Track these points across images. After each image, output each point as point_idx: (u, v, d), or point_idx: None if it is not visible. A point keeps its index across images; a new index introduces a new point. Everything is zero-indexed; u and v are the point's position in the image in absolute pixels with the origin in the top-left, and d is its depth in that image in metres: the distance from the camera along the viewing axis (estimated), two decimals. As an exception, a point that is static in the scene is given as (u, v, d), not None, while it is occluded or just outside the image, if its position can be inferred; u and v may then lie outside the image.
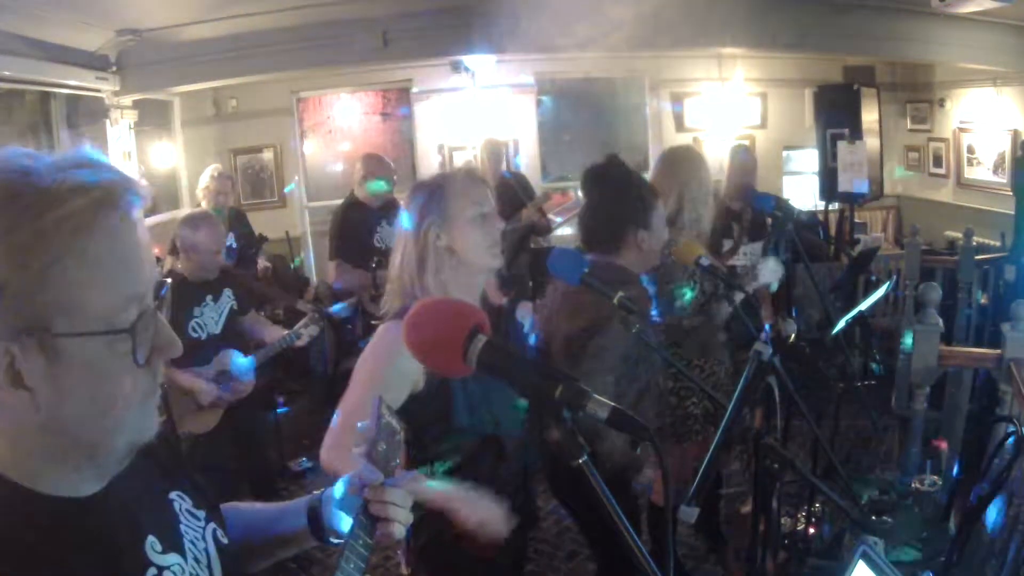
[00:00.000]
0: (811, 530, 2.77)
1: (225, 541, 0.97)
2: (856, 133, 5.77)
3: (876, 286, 3.66)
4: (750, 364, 1.74)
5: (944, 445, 2.75)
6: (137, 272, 0.75)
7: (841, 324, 2.45)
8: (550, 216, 5.23)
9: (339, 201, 4.38)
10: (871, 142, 5.91)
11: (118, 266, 0.73)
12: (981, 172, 6.05)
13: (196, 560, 0.89)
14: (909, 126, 6.91)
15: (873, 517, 2.13)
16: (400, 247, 1.74)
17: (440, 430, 1.64)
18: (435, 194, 1.72)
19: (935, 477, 2.53)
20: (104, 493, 0.80)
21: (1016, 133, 5.58)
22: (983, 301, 4.66)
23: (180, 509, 0.92)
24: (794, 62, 6.66)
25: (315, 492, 1.10)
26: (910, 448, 2.94)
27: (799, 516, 2.81)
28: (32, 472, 0.74)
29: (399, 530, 0.98)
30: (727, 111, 6.79)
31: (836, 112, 6.02)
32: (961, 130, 6.22)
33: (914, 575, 2.04)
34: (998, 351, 2.72)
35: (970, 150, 6.15)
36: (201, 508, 0.96)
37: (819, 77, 6.57)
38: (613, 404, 0.82)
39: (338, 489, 1.05)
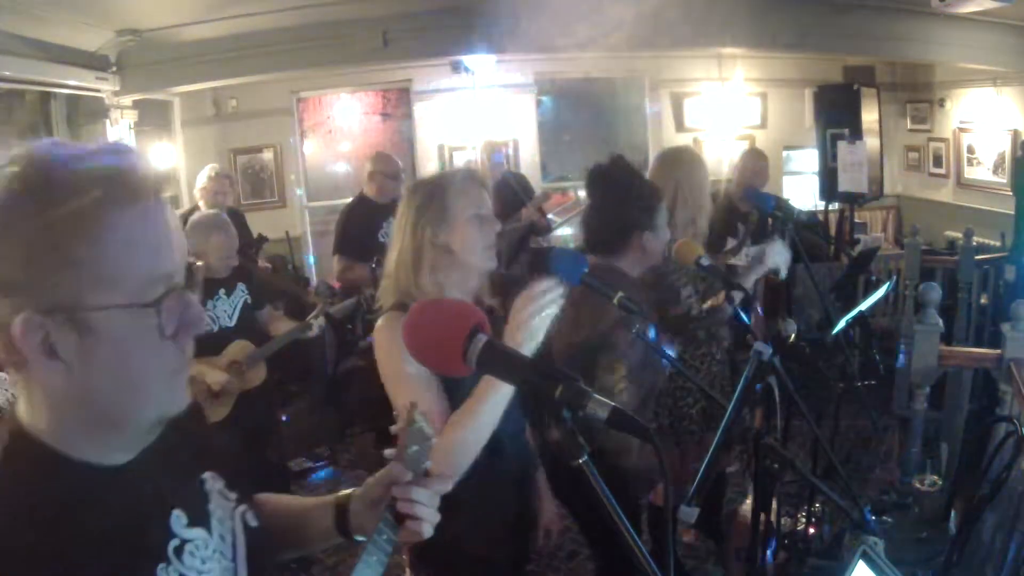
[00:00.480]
0: (811, 530, 2.77)
1: (254, 524, 0.99)
2: (856, 133, 5.77)
3: (876, 286, 3.66)
4: (750, 364, 1.74)
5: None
6: (164, 252, 0.79)
7: (841, 324, 2.45)
8: (550, 216, 5.23)
9: (339, 201, 4.41)
10: (871, 142, 5.91)
11: (145, 246, 0.77)
12: (981, 172, 6.05)
13: (221, 538, 0.92)
14: (909, 126, 6.91)
15: (873, 517, 2.12)
16: (396, 243, 1.75)
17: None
18: (433, 193, 1.73)
19: (935, 477, 2.53)
20: (134, 463, 0.84)
21: (1016, 133, 5.58)
22: (983, 301, 4.66)
23: (211, 489, 0.96)
24: (794, 62, 6.66)
25: (345, 491, 1.12)
26: (910, 448, 2.94)
27: (799, 516, 2.81)
28: (69, 440, 0.79)
29: (425, 528, 1.01)
30: (727, 111, 6.79)
31: (836, 112, 6.02)
32: (961, 130, 6.22)
33: (914, 575, 2.04)
34: (998, 351, 2.72)
35: (970, 150, 6.15)
36: (233, 490, 0.99)
37: (819, 77, 6.57)
38: (613, 404, 0.82)
39: (368, 487, 1.08)
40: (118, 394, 0.78)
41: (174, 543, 0.85)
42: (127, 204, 0.75)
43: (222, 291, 3.14)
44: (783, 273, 2.52)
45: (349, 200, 4.46)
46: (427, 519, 1.01)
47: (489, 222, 1.76)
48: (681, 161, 2.82)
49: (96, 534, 0.76)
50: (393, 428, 1.03)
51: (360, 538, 1.08)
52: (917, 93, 6.78)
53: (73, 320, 0.74)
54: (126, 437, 0.83)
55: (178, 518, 0.87)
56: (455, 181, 1.76)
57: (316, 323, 3.21)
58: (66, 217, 0.72)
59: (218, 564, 0.90)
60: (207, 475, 0.96)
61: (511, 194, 5.07)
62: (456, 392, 1.62)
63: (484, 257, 1.75)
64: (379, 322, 1.68)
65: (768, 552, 2.21)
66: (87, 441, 0.80)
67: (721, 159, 6.47)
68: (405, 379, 1.57)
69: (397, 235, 1.76)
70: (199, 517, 0.90)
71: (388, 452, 1.03)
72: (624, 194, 2.24)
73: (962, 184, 6.29)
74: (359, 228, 4.10)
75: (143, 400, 0.80)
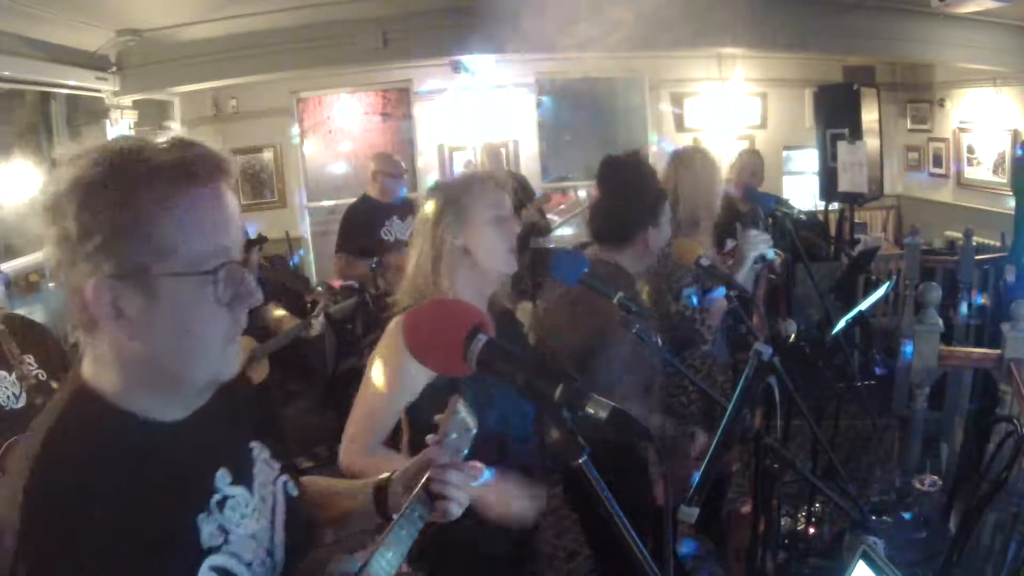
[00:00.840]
0: (811, 530, 2.77)
1: (294, 494, 1.09)
2: (856, 133, 5.76)
3: (876, 286, 3.66)
4: (750, 364, 1.74)
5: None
6: (222, 229, 0.89)
7: (841, 324, 2.45)
8: (550, 216, 5.23)
9: (339, 201, 4.44)
10: (871, 142, 5.91)
11: (203, 224, 0.87)
12: (981, 172, 6.05)
13: (262, 499, 1.02)
14: (909, 126, 6.91)
15: (873, 517, 2.12)
16: (417, 246, 1.74)
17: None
18: (453, 195, 1.72)
19: (935, 477, 2.53)
20: (186, 422, 0.94)
21: (1016, 133, 5.58)
22: (983, 301, 4.66)
23: (257, 456, 1.06)
24: (794, 62, 6.66)
25: (385, 474, 1.19)
26: (910, 448, 2.94)
27: (799, 516, 2.81)
28: (128, 397, 0.89)
29: (454, 509, 1.06)
30: (727, 111, 6.79)
31: (836, 112, 6.02)
32: (961, 130, 6.22)
33: (914, 575, 2.04)
34: (998, 351, 2.72)
35: (970, 150, 6.14)
36: (278, 461, 1.09)
37: (819, 77, 6.57)
38: (613, 404, 0.82)
39: (407, 468, 1.15)
40: (176, 354, 0.88)
41: (216, 497, 0.94)
42: (192, 187, 0.86)
43: None
44: (770, 254, 2.51)
45: (350, 200, 4.53)
46: (457, 500, 1.06)
47: (509, 224, 1.75)
48: (689, 161, 2.84)
49: (145, 481, 0.85)
50: (437, 416, 1.08)
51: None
52: (917, 93, 6.78)
53: (140, 284, 0.84)
54: (181, 396, 0.93)
55: (223, 476, 0.96)
56: (475, 183, 1.75)
57: (317, 322, 3.21)
58: (140, 197, 0.83)
59: (256, 522, 0.99)
60: (255, 444, 1.07)
61: (511, 195, 5.07)
62: (454, 391, 1.62)
63: (503, 260, 1.74)
64: (394, 323, 1.68)
65: (768, 552, 2.21)
66: (145, 398, 0.90)
67: (721, 159, 6.45)
68: (389, 393, 1.61)
69: (416, 239, 1.75)
70: (243, 478, 1.00)
71: (430, 437, 1.07)
72: (636, 189, 2.27)
73: (962, 184, 6.28)
74: (361, 226, 4.16)
75: (197, 361, 0.90)
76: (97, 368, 0.90)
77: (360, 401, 1.66)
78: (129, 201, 0.83)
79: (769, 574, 1.97)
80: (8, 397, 2.01)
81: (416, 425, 1.69)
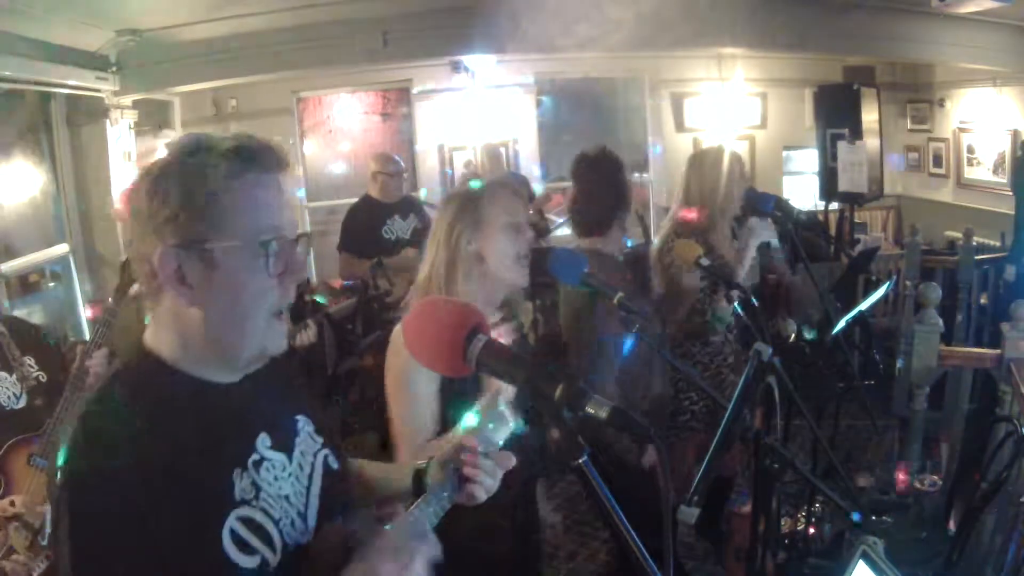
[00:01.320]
0: (811, 530, 2.77)
1: (334, 467, 1.17)
2: (856, 133, 5.76)
3: (876, 286, 3.66)
4: (750, 364, 1.74)
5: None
6: (275, 211, 1.00)
7: (841, 324, 2.45)
8: (550, 216, 5.23)
9: (339, 201, 4.47)
10: (871, 142, 5.91)
11: (259, 204, 0.99)
12: (981, 172, 6.05)
13: (300, 467, 1.10)
14: (909, 126, 6.91)
15: (873, 517, 2.13)
16: (431, 254, 1.75)
17: (444, 428, 1.64)
18: (469, 201, 1.73)
19: (935, 477, 2.53)
20: (236, 386, 1.04)
21: (1016, 133, 5.57)
22: (983, 301, 4.66)
23: (301, 428, 1.14)
24: (794, 62, 6.65)
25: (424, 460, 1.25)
26: (910, 448, 2.94)
27: (799, 516, 2.81)
28: (186, 359, 1.00)
29: (480, 493, 1.12)
30: (727, 111, 6.78)
31: (836, 112, 6.02)
32: (961, 130, 6.21)
33: (914, 575, 2.04)
34: (998, 351, 2.72)
35: (970, 150, 6.14)
36: (320, 435, 1.17)
37: (819, 77, 6.56)
38: (613, 404, 0.82)
39: (444, 451, 1.20)
40: (227, 321, 0.98)
41: (254, 457, 1.02)
42: (249, 171, 0.98)
43: None
44: (775, 243, 2.58)
45: (350, 200, 4.58)
46: (485, 486, 1.12)
47: (523, 231, 1.76)
48: (697, 163, 2.88)
49: (190, 434, 0.94)
50: (477, 404, 1.13)
51: None
52: (917, 93, 6.78)
53: (201, 253, 0.95)
54: (231, 363, 1.03)
55: (264, 439, 1.05)
56: (492, 190, 1.76)
57: (305, 334, 3.11)
58: (203, 177, 0.95)
59: (291, 486, 1.06)
60: (301, 417, 1.15)
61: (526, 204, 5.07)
62: (452, 397, 1.62)
63: (515, 268, 1.74)
64: (399, 328, 1.66)
65: (768, 552, 2.21)
66: (201, 361, 1.01)
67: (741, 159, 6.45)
68: (408, 393, 1.61)
69: (431, 246, 1.76)
70: (283, 444, 1.08)
71: (464, 422, 1.11)
72: (608, 182, 2.42)
73: (962, 184, 6.28)
74: (362, 226, 4.21)
75: (247, 331, 1.00)
76: (157, 333, 1.01)
77: (394, 418, 1.65)
78: (192, 181, 0.95)
79: (769, 574, 1.97)
80: (9, 397, 2.02)
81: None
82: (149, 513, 0.86)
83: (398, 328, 1.66)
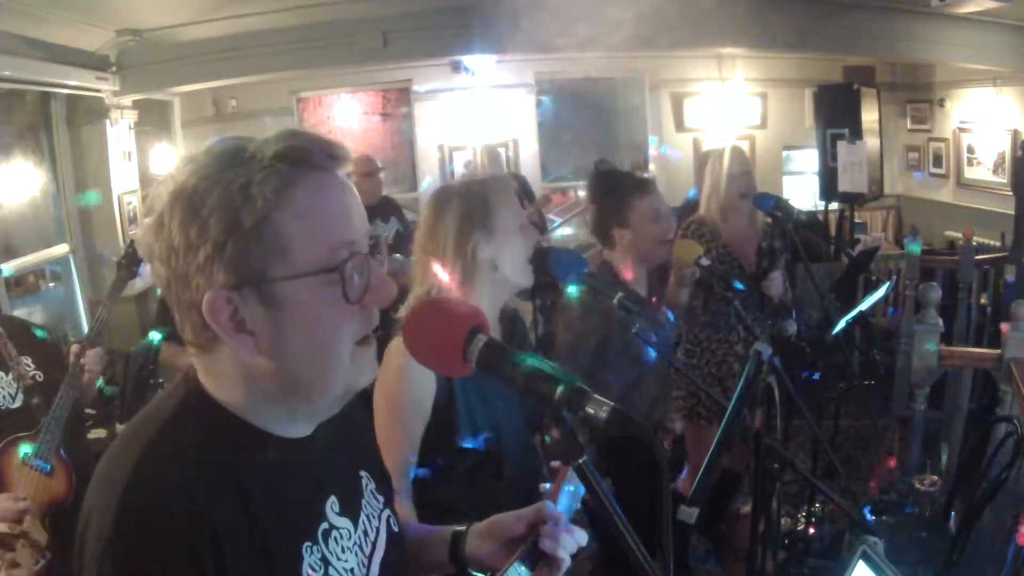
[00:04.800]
0: (811, 530, 2.77)
1: (396, 530, 1.02)
2: (856, 133, 5.76)
3: (876, 286, 3.66)
4: (750, 364, 1.74)
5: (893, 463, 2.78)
6: (343, 220, 0.81)
7: (841, 324, 2.45)
8: (550, 216, 5.23)
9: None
10: (871, 142, 5.91)
11: (323, 216, 0.79)
12: (981, 172, 6.04)
13: (365, 533, 0.95)
14: (909, 126, 6.91)
15: (873, 517, 2.13)
16: (435, 262, 1.59)
17: (443, 444, 1.62)
18: (477, 203, 1.58)
19: (935, 477, 2.53)
20: (309, 440, 0.88)
21: (1016, 133, 5.57)
22: (983, 301, 4.66)
23: (366, 487, 0.99)
24: (794, 62, 6.65)
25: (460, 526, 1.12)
26: (910, 448, 2.94)
27: (799, 516, 2.81)
28: (254, 411, 0.83)
29: (561, 568, 0.98)
30: (727, 111, 6.78)
31: (836, 112, 6.01)
32: (961, 130, 6.21)
33: (914, 575, 2.04)
34: (998, 351, 2.72)
35: (970, 150, 6.14)
36: (382, 494, 1.02)
37: (819, 77, 6.56)
38: (613, 404, 0.82)
39: (501, 520, 1.06)
40: (308, 362, 0.80)
41: (324, 526, 0.87)
42: (303, 176, 0.78)
43: None
44: (774, 293, 2.57)
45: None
46: (564, 561, 0.97)
47: (531, 233, 1.66)
48: (703, 164, 2.91)
49: (259, 501, 0.79)
50: (554, 463, 1.01)
51: (475, 573, 1.06)
52: (917, 93, 6.78)
53: (260, 292, 0.77)
54: (314, 409, 0.86)
55: (333, 504, 0.90)
56: (496, 188, 1.62)
57: None
58: (247, 193, 0.75)
59: (355, 557, 0.91)
60: (363, 472, 1.00)
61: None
62: (451, 411, 1.60)
63: (523, 272, 1.65)
64: (394, 342, 1.55)
65: (768, 552, 2.21)
66: (271, 413, 0.84)
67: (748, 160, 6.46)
68: (402, 413, 1.51)
69: (431, 254, 1.60)
70: (351, 508, 0.93)
71: (544, 487, 1.00)
72: (601, 192, 2.41)
73: (962, 184, 6.28)
74: None
75: (331, 370, 0.82)
76: (215, 382, 0.83)
77: (384, 445, 1.58)
78: (235, 200, 0.75)
79: (769, 574, 1.97)
80: (5, 397, 2.02)
81: (423, 452, 1.61)
82: None
83: (394, 346, 1.54)
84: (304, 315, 0.78)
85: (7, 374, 2.04)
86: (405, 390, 1.52)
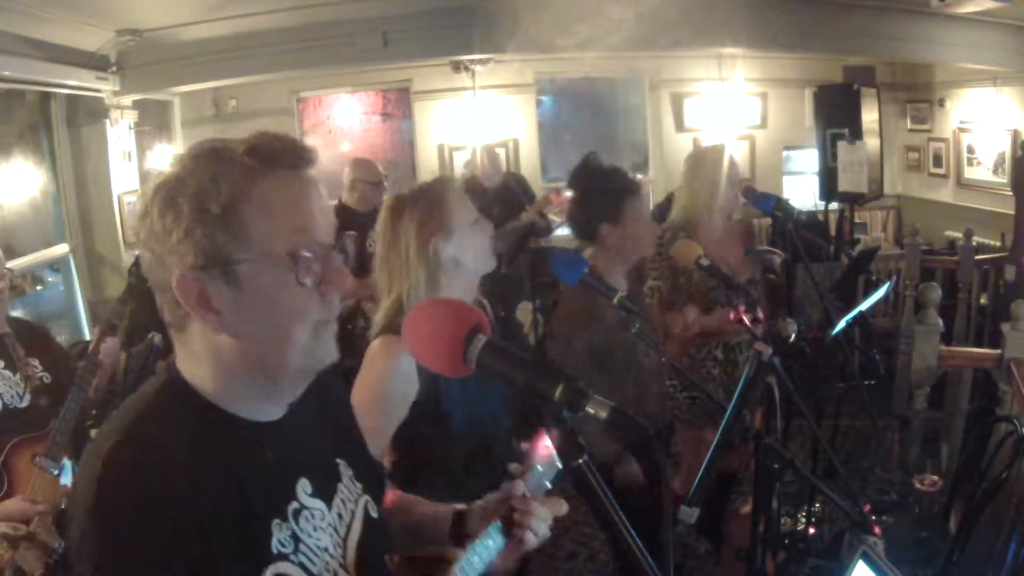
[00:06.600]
0: (811, 530, 2.77)
1: (374, 515, 1.08)
2: (856, 133, 5.76)
3: (876, 286, 3.65)
4: (750, 364, 1.74)
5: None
6: (303, 213, 0.89)
7: (841, 324, 2.44)
8: (550, 217, 5.23)
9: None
10: (871, 142, 5.91)
11: (283, 208, 0.87)
12: (981, 172, 6.05)
13: (339, 516, 1.01)
14: (909, 126, 6.91)
15: (873, 517, 2.13)
16: (398, 269, 1.66)
17: (431, 438, 1.64)
18: (433, 206, 1.66)
19: (935, 477, 2.53)
20: (280, 424, 0.95)
21: (1016, 133, 5.57)
22: (983, 301, 4.66)
23: (343, 473, 1.05)
24: (794, 62, 6.65)
25: (463, 505, 1.19)
26: (910, 448, 2.94)
27: (799, 516, 2.81)
28: (224, 394, 0.90)
29: (531, 539, 1.05)
30: (727, 111, 6.78)
31: (836, 112, 6.02)
32: (961, 130, 6.21)
33: (914, 575, 2.04)
34: (998, 351, 2.72)
35: (970, 150, 6.14)
36: (360, 481, 1.08)
37: (819, 77, 6.56)
38: (612, 404, 0.82)
39: (487, 500, 1.15)
40: (266, 342, 0.88)
41: (294, 505, 0.94)
42: (268, 170, 0.87)
43: None
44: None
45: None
46: (537, 533, 1.05)
47: (484, 225, 1.74)
48: (689, 163, 2.87)
49: (229, 480, 0.86)
50: (522, 444, 1.08)
51: None
52: (917, 93, 6.78)
53: (225, 274, 0.85)
54: (276, 389, 0.93)
55: (304, 485, 0.96)
56: (447, 190, 1.70)
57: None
58: (217, 184, 0.84)
59: (329, 537, 0.97)
60: (340, 460, 1.06)
61: (511, 195, 5.07)
62: (438, 407, 1.62)
63: (489, 260, 1.74)
64: (376, 343, 1.62)
65: (768, 552, 2.21)
66: (241, 395, 0.91)
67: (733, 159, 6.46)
68: (379, 405, 1.57)
69: (393, 261, 1.67)
70: (324, 491, 0.99)
71: (513, 467, 1.06)
72: (588, 187, 2.38)
73: (962, 184, 6.28)
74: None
75: (290, 346, 0.89)
76: (190, 365, 0.91)
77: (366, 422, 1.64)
78: (206, 191, 0.84)
79: (769, 574, 1.97)
80: (13, 396, 2.03)
81: (402, 447, 1.67)
82: (181, 568, 0.79)
83: (376, 345, 1.61)
84: (264, 297, 0.86)
85: (15, 374, 2.04)
86: (388, 388, 1.57)
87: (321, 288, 0.89)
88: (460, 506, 1.18)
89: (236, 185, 0.85)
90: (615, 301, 1.84)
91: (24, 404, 2.03)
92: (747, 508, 2.44)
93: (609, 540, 2.64)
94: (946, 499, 2.45)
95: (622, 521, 0.83)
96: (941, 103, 6.45)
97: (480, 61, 5.99)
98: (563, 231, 5.43)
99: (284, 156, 0.89)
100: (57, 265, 4.89)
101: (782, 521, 2.53)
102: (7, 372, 2.04)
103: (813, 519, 2.80)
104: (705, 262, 2.17)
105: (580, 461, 0.84)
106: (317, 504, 0.97)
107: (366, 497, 1.08)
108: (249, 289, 0.86)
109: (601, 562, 3.31)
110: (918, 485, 2.48)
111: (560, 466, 1.07)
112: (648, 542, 0.85)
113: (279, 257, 0.86)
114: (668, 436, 2.99)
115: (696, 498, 1.52)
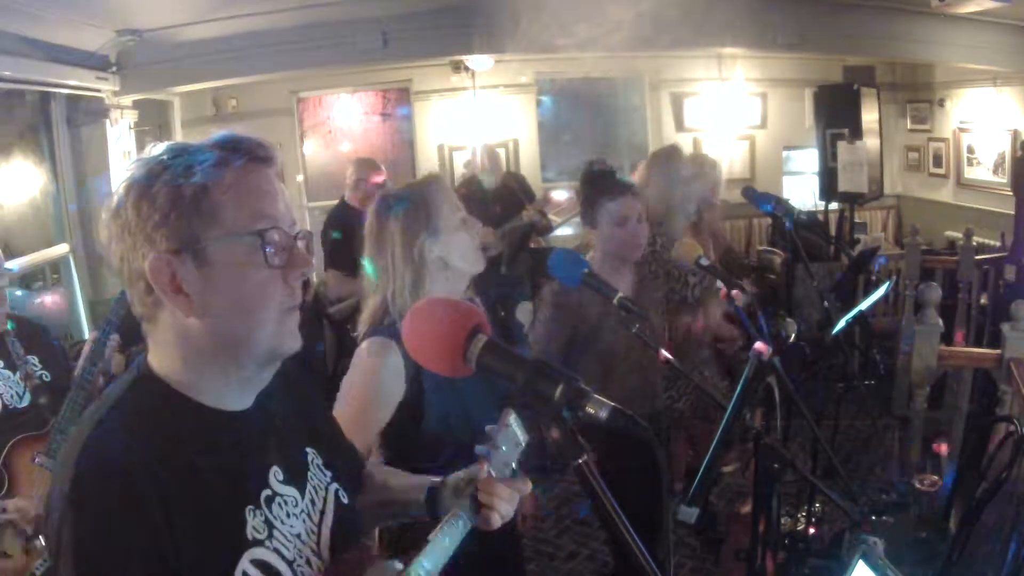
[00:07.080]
0: (811, 530, 2.77)
1: (345, 502, 1.12)
2: (856, 133, 5.76)
3: (876, 286, 3.65)
4: (750, 364, 1.74)
5: (944, 448, 2.75)
6: (268, 198, 0.95)
7: (841, 324, 2.44)
8: (550, 216, 5.23)
9: (339, 201, 4.37)
10: (871, 142, 5.91)
11: (249, 191, 0.93)
12: (981, 172, 6.04)
13: (312, 502, 1.05)
14: (909, 126, 6.91)
15: (873, 517, 2.13)
16: (386, 264, 1.66)
17: (415, 437, 1.64)
18: (419, 207, 1.64)
19: (935, 477, 2.53)
20: (247, 414, 0.99)
21: (1016, 133, 5.57)
22: (983, 301, 4.66)
23: (312, 461, 1.10)
24: (794, 62, 6.65)
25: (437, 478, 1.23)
26: (910, 448, 2.94)
27: (799, 516, 2.81)
28: (193, 384, 0.94)
29: (495, 519, 1.07)
30: (727, 111, 6.78)
31: (836, 112, 6.02)
32: (961, 130, 6.21)
33: (914, 575, 2.04)
34: (998, 351, 2.72)
35: (970, 150, 6.14)
36: (330, 469, 1.12)
37: (819, 77, 6.56)
38: (612, 404, 0.82)
39: (458, 476, 1.18)
40: (233, 323, 0.92)
41: (266, 492, 0.97)
42: (236, 161, 0.93)
43: None
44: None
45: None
46: (500, 512, 1.07)
47: (472, 224, 1.72)
48: (656, 160, 2.88)
49: (201, 468, 0.89)
50: (488, 427, 1.07)
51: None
52: (917, 93, 6.78)
53: (194, 253, 0.89)
54: (245, 374, 0.97)
55: (276, 473, 1.00)
56: (433, 190, 1.68)
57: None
58: (188, 175, 0.89)
59: (302, 523, 1.01)
60: (310, 449, 1.10)
61: (511, 195, 5.07)
62: (421, 406, 1.62)
63: (476, 260, 1.72)
64: (364, 345, 1.62)
65: (768, 552, 2.21)
66: (210, 384, 0.95)
67: (722, 160, 6.46)
68: (363, 403, 1.59)
69: (380, 263, 1.67)
70: (295, 479, 1.03)
71: (479, 448, 1.06)
72: (582, 193, 2.42)
73: (962, 184, 6.28)
74: (347, 239, 3.97)
75: (256, 327, 0.93)
76: (160, 357, 0.95)
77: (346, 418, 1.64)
78: (178, 182, 0.89)
79: (769, 574, 1.97)
80: (12, 396, 2.03)
81: (390, 444, 1.67)
82: (156, 556, 0.82)
83: (364, 347, 1.62)
84: (231, 276, 0.91)
85: (15, 373, 2.04)
86: (374, 388, 1.59)
87: (285, 271, 0.94)
88: (435, 479, 1.22)
89: (207, 169, 0.90)
90: (615, 301, 1.84)
91: (24, 404, 2.04)
92: (747, 508, 2.45)
93: (609, 540, 2.63)
94: (946, 499, 2.44)
95: (622, 521, 0.83)
96: (941, 103, 6.45)
97: (480, 61, 5.99)
98: (563, 231, 5.43)
99: (251, 149, 0.95)
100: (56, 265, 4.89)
101: (782, 521, 2.53)
102: (7, 372, 2.04)
103: (813, 519, 2.79)
104: (705, 262, 2.18)
105: (580, 461, 0.84)
106: (290, 491, 1.01)
107: (336, 485, 1.11)
108: (218, 268, 0.90)
109: (601, 562, 3.31)
110: (918, 485, 2.48)
111: (523, 445, 1.08)
112: (648, 542, 0.85)
113: (247, 237, 0.91)
114: (668, 437, 2.99)
115: (696, 498, 1.52)
